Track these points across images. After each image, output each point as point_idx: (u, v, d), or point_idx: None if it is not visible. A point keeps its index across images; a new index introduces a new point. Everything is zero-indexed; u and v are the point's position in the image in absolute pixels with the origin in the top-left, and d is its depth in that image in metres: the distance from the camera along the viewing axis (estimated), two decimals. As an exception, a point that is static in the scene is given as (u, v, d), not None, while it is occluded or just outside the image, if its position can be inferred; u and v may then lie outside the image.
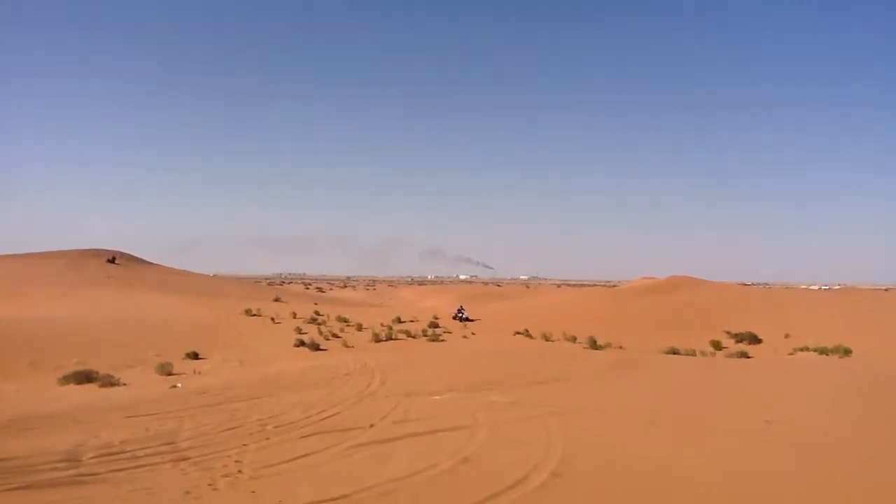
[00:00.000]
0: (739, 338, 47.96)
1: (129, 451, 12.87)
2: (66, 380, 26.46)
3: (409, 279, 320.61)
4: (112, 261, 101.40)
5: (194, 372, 30.47)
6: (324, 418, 16.60)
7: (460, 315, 58.03)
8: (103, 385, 25.84)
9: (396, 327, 50.38)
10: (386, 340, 43.93)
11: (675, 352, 39.62)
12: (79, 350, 32.75)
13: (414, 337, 46.00)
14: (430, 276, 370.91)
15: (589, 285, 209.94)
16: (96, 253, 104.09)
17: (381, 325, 50.72)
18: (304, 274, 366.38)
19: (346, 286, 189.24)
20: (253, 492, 10.06)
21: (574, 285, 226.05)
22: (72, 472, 11.25)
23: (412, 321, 55.28)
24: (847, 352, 38.23)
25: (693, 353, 39.87)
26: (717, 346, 45.29)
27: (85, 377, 26.63)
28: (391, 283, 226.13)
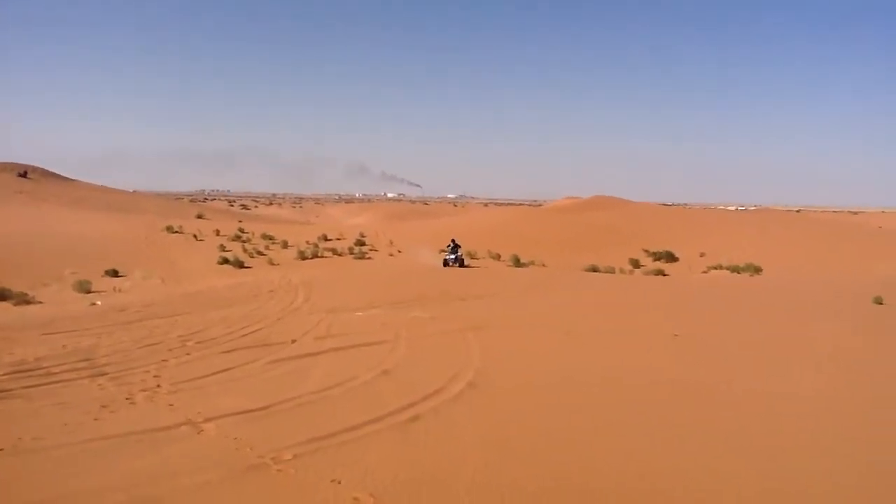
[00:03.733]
0: (657, 256, 49.49)
1: (45, 367, 12.71)
2: (-24, 298, 25.60)
3: (336, 197, 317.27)
4: (23, 175, 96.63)
5: (114, 289, 29.85)
6: (246, 334, 16.67)
7: (454, 257, 37.95)
8: (17, 303, 25.10)
9: (322, 245, 50.06)
10: (311, 258, 43.62)
11: (595, 269, 40.69)
12: (-10, 267, 31.57)
13: (340, 255, 45.85)
14: (357, 195, 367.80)
15: (515, 204, 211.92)
16: (3, 167, 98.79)
17: (307, 242, 50.28)
18: (229, 191, 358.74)
19: (271, 204, 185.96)
20: (171, 405, 10.14)
21: (501, 204, 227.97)
22: (-20, 389, 11.07)
23: (338, 239, 54.99)
24: (757, 270, 40.06)
25: (612, 271, 41.08)
26: (635, 264, 46.67)
27: (-2, 295, 25.83)
28: (318, 201, 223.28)
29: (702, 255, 49.43)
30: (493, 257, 46.93)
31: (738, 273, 40.33)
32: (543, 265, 43.60)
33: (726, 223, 68.56)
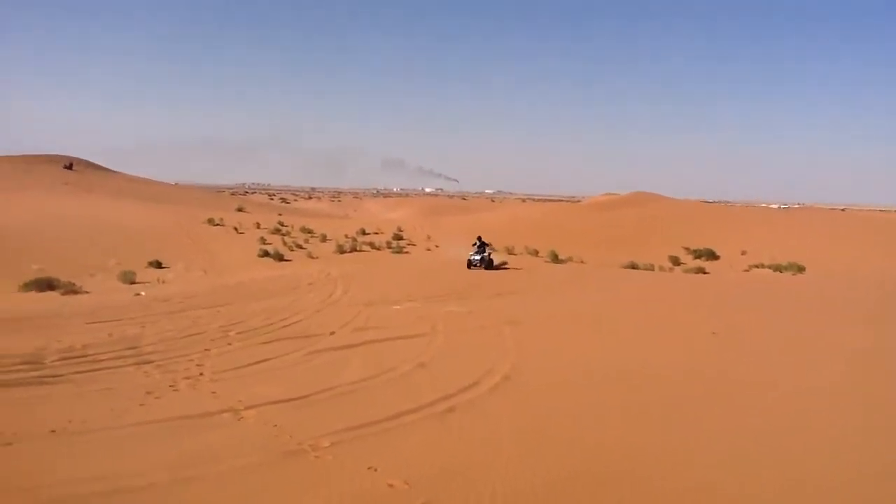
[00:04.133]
0: (697, 254, 48.92)
1: (92, 354, 13.10)
2: (27, 287, 26.38)
3: (374, 191, 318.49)
4: (69, 167, 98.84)
5: (157, 280, 30.54)
6: (285, 325, 16.96)
7: (481, 256, 32.47)
8: (66, 293, 25.82)
9: (361, 239, 50.52)
10: (350, 252, 44.10)
11: (634, 266, 40.44)
12: (39, 257, 32.51)
13: (378, 248, 46.24)
14: (395, 189, 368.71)
15: (553, 200, 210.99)
16: (50, 159, 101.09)
17: (346, 236, 50.80)
18: (269, 185, 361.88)
19: (310, 198, 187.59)
20: (213, 392, 10.40)
21: (539, 200, 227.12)
22: (34, 373, 11.48)
23: (376, 233, 55.41)
24: (800, 269, 39.39)
25: (651, 268, 40.74)
26: (675, 261, 46.23)
27: (47, 284, 26.57)
28: (356, 195, 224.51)
29: (743, 253, 48.74)
30: (530, 253, 46.87)
31: (781, 272, 39.69)
32: (582, 262, 43.43)
33: (769, 221, 67.43)
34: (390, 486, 6.62)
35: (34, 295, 25.47)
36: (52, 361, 12.40)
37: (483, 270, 31.14)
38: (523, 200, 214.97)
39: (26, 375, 11.35)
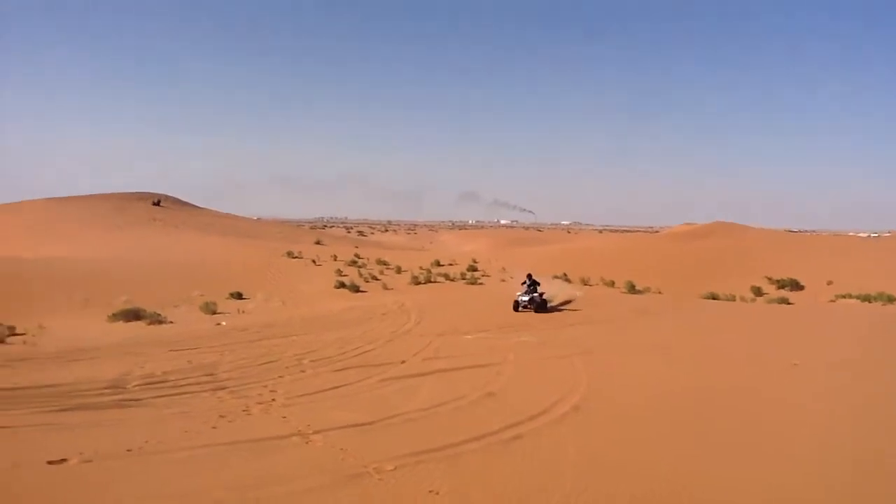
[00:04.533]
0: (781, 284, 47.45)
1: (171, 380, 13.58)
2: (115, 317, 27.46)
3: (450, 224, 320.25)
4: (157, 203, 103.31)
5: (238, 311, 31.38)
6: (358, 354, 17.18)
7: (531, 297, 27.54)
8: (151, 322, 26.78)
9: (435, 270, 50.86)
10: (424, 283, 44.40)
11: (714, 297, 39.46)
12: (127, 289, 33.83)
13: (452, 280, 46.44)
14: (470, 221, 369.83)
15: (631, 231, 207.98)
16: (140, 196, 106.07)
17: (420, 268, 51.23)
18: (346, 218, 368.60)
19: (387, 230, 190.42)
20: (284, 417, 10.61)
21: (616, 231, 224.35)
22: (116, 397, 11.98)
23: (451, 264, 55.72)
24: (890, 299, 37.66)
25: (733, 299, 39.66)
26: (757, 292, 44.91)
27: (133, 315, 27.61)
28: (431, 228, 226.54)
29: (829, 283, 46.96)
30: (606, 284, 46.31)
31: (869, 302, 38.03)
32: (659, 292, 42.64)
33: (856, 250, 64.87)
34: (450, 509, 6.62)
35: (122, 325, 26.49)
36: (134, 386, 12.90)
37: (533, 314, 26.25)
38: (600, 231, 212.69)
39: (109, 399, 11.85)
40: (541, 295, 27.77)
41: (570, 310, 27.84)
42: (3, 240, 65.95)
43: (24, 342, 21.59)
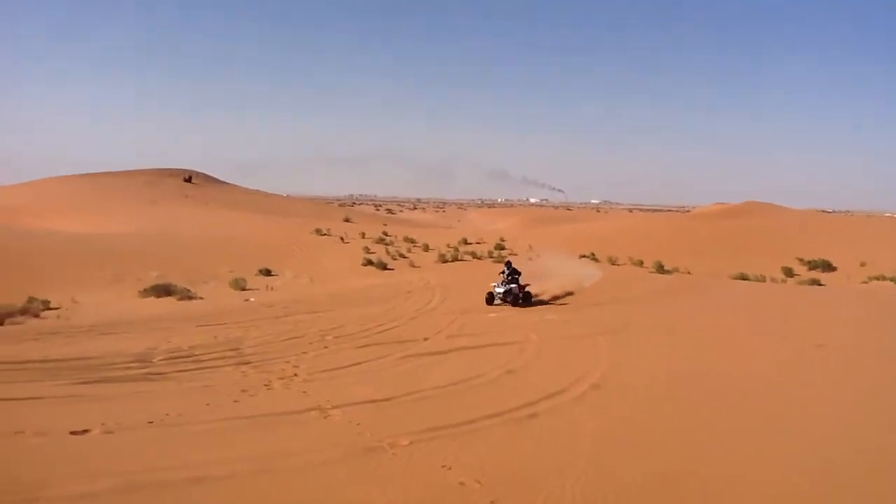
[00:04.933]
0: (812, 265, 46.79)
1: (197, 355, 13.82)
2: (146, 292, 27.93)
3: (479, 202, 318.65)
4: (188, 180, 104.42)
5: (266, 287, 31.75)
6: (381, 331, 17.31)
7: (506, 289, 23.24)
8: (181, 298, 27.21)
9: (462, 248, 50.90)
10: (451, 261, 44.46)
11: (744, 277, 39.06)
12: (158, 265, 34.34)
13: (479, 258, 46.44)
14: (499, 200, 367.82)
15: (662, 210, 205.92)
16: (172, 172, 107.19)
17: (448, 246, 51.28)
18: (375, 195, 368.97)
19: (415, 208, 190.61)
20: (304, 392, 10.76)
21: (646, 210, 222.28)
22: (142, 370, 12.23)
23: (479, 243, 55.70)
24: (925, 280, 37.04)
25: (763, 279, 39.24)
26: (788, 272, 44.35)
27: (164, 290, 28.05)
28: (461, 206, 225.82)
29: (862, 264, 46.23)
30: (635, 263, 46.02)
31: (903, 283, 37.40)
32: (688, 272, 42.27)
33: (892, 231, 63.62)
34: (461, 484, 6.68)
35: (152, 300, 26.94)
36: (160, 360, 13.14)
37: (510, 307, 22.54)
38: (630, 210, 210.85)
39: (135, 372, 12.11)
40: (522, 287, 23.71)
41: (559, 304, 23.26)
42: (38, 215, 67.23)
43: (58, 316, 22.08)
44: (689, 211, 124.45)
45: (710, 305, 23.40)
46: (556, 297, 24.51)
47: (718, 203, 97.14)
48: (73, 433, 8.07)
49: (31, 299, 23.98)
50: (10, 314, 21.33)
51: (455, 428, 8.65)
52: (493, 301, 23.17)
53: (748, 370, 13.00)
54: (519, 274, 24.09)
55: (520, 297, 23.23)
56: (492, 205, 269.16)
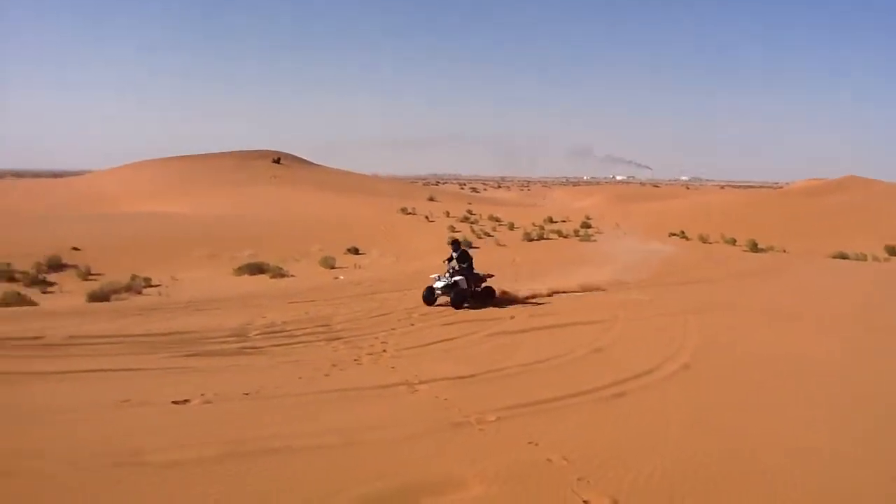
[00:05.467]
0: (920, 243, 44.30)
1: (289, 330, 14.23)
2: (240, 271, 28.87)
3: (563, 180, 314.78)
4: (277, 161, 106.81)
5: (354, 265, 32.33)
6: (466, 309, 17.40)
7: (446, 283, 18.23)
8: (273, 276, 28.02)
9: (548, 227, 50.45)
10: (537, 239, 44.16)
11: (843, 256, 37.43)
12: (251, 244, 35.40)
13: (565, 237, 45.96)
14: (584, 177, 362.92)
15: (754, 186, 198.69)
16: (261, 154, 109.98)
17: (533, 224, 50.92)
18: (459, 174, 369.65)
19: (500, 187, 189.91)
20: (392, 368, 10.98)
21: (738, 186, 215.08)
22: (238, 345, 12.70)
23: (564, 221, 55.11)
24: None
25: (864, 258, 37.52)
26: (891, 251, 42.15)
27: (257, 269, 28.93)
28: (545, 184, 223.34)
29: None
30: (727, 242, 44.67)
31: None
32: (784, 251, 40.79)
33: None
34: (549, 460, 6.71)
35: (247, 278, 27.82)
36: (255, 335, 13.61)
37: (452, 305, 17.71)
38: (721, 187, 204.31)
39: (232, 346, 12.57)
40: (478, 279, 18.93)
41: (534, 303, 18.47)
42: (136, 197, 70.36)
43: (159, 293, 23.10)
44: (781, 187, 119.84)
45: (806, 286, 22.59)
46: (534, 295, 19.29)
47: (813, 178, 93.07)
48: (174, 402, 8.50)
49: (133, 277, 25.25)
50: (116, 291, 22.55)
51: (542, 405, 8.67)
52: (433, 299, 18.26)
53: (842, 355, 12.55)
54: (471, 259, 19.31)
55: (467, 295, 18.16)
56: (576, 183, 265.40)
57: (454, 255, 19.14)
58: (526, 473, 6.41)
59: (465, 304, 17.83)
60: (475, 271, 18.94)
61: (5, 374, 10.02)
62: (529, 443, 7.12)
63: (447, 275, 18.55)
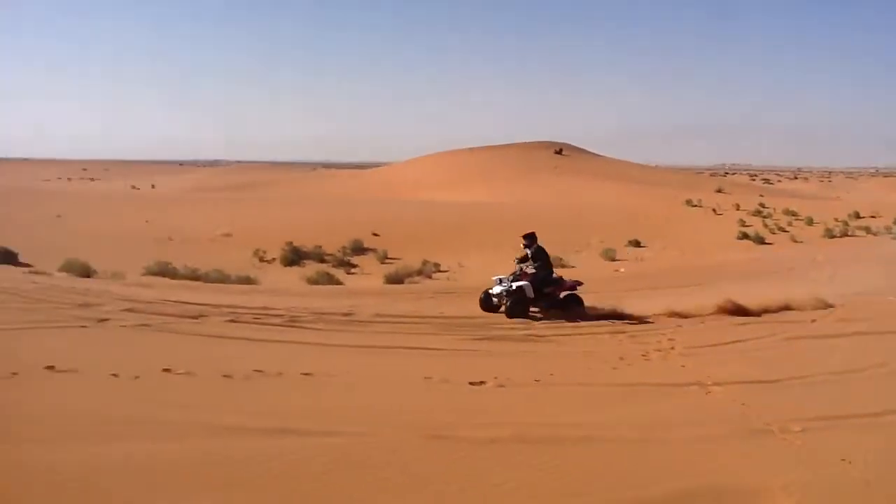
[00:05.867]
0: None
1: (572, 323, 14.41)
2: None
3: (874, 170, 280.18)
4: (559, 152, 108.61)
5: (636, 258, 31.88)
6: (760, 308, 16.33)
7: (502, 290, 15.50)
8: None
9: (853, 223, 45.73)
10: (840, 236, 40.34)
11: None
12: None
13: (875, 234, 41.38)
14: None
15: None
16: (543, 145, 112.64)
17: (836, 219, 46.45)
18: (750, 165, 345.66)
19: (796, 178, 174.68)
20: (682, 366, 10.64)
21: None
22: (525, 332, 13.21)
23: (873, 216, 49.61)
24: None
25: None
26: None
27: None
28: (850, 175, 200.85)
29: None
30: None
31: None
32: None
33: None
34: (867, 482, 6.06)
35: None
36: (538, 325, 14.03)
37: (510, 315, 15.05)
38: None
39: (518, 333, 13.24)
40: (556, 283, 16.02)
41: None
42: (430, 187, 75.21)
43: (448, 278, 24.66)
44: None
45: None
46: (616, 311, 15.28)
47: None
48: (471, 383, 8.99)
49: (425, 262, 27.16)
50: (409, 274, 24.51)
51: (854, 419, 7.85)
52: (491, 305, 15.65)
53: None
54: (546, 258, 16.19)
55: (527, 304, 15.28)
56: (889, 174, 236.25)
57: (528, 252, 16.14)
58: (839, 493, 5.86)
59: (540, 315, 15.24)
60: (555, 276, 16.14)
61: (325, 345, 11.32)
62: (842, 460, 6.48)
63: (511, 277, 15.79)
